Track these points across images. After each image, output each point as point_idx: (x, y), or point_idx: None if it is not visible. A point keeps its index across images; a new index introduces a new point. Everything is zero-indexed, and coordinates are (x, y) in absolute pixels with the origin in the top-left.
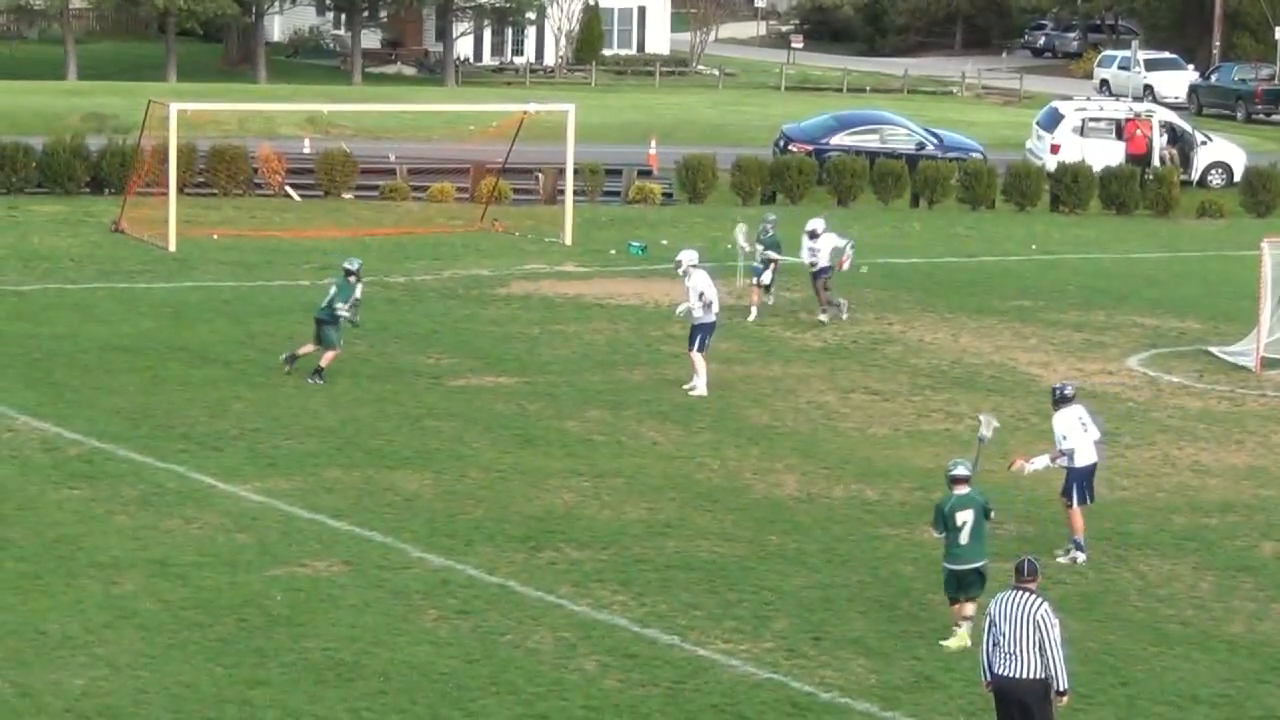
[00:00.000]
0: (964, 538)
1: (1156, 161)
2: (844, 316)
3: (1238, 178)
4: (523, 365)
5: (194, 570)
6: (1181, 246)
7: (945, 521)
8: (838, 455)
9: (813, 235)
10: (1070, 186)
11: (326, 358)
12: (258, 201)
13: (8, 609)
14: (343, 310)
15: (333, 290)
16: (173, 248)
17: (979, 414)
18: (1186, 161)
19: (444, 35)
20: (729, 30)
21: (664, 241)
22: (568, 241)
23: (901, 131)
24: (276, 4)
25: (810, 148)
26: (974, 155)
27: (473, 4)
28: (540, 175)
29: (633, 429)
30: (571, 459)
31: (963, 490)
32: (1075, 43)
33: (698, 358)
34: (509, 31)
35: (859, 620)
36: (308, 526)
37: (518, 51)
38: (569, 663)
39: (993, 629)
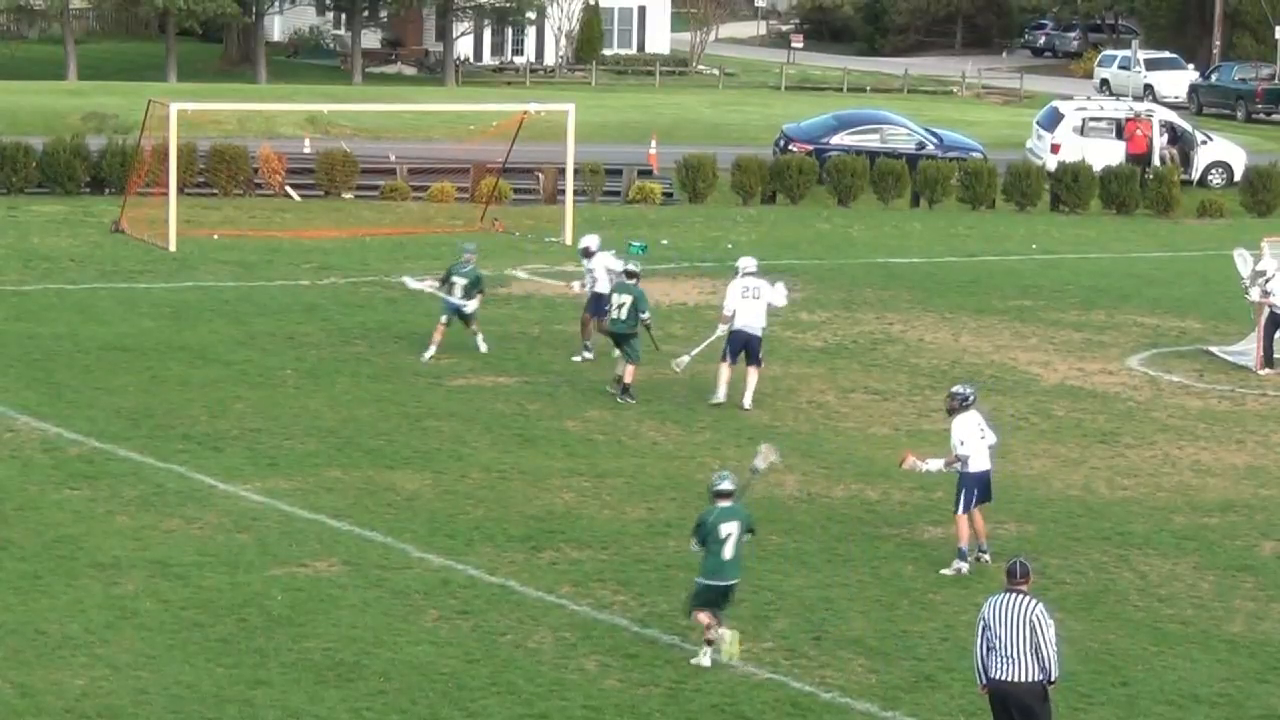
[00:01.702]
0: (726, 552)
1: (1157, 161)
2: (583, 358)
3: (1238, 177)
4: (523, 365)
5: (194, 570)
6: (1182, 246)
7: (707, 534)
8: (838, 455)
9: (586, 254)
10: (1070, 186)
11: (630, 373)
12: (258, 201)
13: (8, 609)
14: (647, 317)
15: (627, 301)
16: (173, 248)
17: (761, 444)
18: (1187, 161)
19: (444, 35)
20: (729, 30)
21: (664, 241)
22: (568, 241)
23: (902, 131)
24: (276, 4)
25: (810, 147)
26: (974, 155)
27: (473, 4)
28: (540, 175)
29: (633, 429)
30: (572, 459)
31: (726, 504)
32: (1075, 42)
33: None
34: (509, 31)
35: (859, 620)
36: (308, 526)
37: (518, 51)
38: (569, 662)
39: (986, 632)
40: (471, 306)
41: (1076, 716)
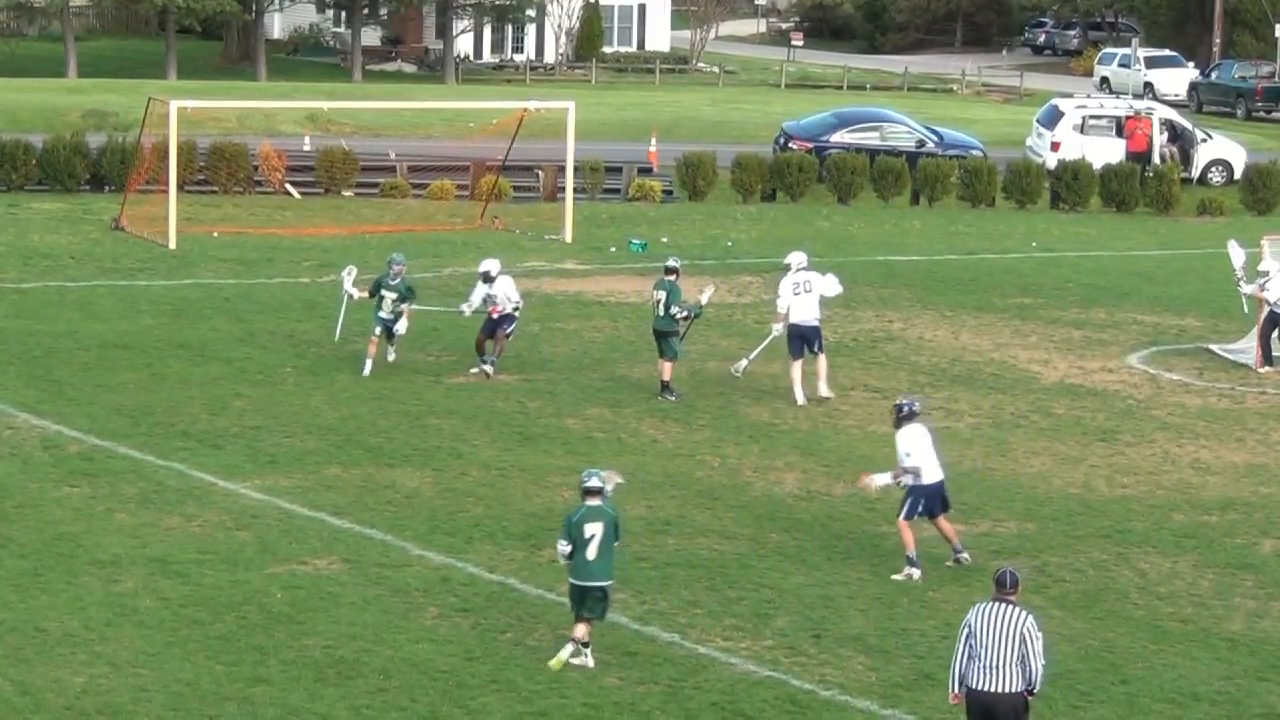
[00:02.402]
0: (590, 552)
1: (1157, 159)
2: (484, 369)
3: (1238, 175)
4: (523, 363)
5: (194, 568)
6: (1182, 244)
7: (571, 533)
8: (838, 453)
9: (486, 278)
10: (1070, 184)
11: (668, 370)
12: (258, 199)
13: (8, 606)
14: (677, 311)
15: (662, 296)
16: (173, 245)
17: (606, 469)
18: (1187, 159)
19: (444, 33)
20: (729, 28)
21: (664, 239)
22: (568, 239)
23: (902, 129)
24: (276, 1)
25: (810, 145)
26: (974, 153)
27: (473, 1)
28: (540, 173)
29: (633, 426)
30: (572, 456)
31: (594, 502)
32: (1075, 40)
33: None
34: (509, 29)
35: (859, 618)
36: (308, 524)
37: (518, 49)
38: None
39: (970, 640)
40: (402, 327)
41: (1076, 714)
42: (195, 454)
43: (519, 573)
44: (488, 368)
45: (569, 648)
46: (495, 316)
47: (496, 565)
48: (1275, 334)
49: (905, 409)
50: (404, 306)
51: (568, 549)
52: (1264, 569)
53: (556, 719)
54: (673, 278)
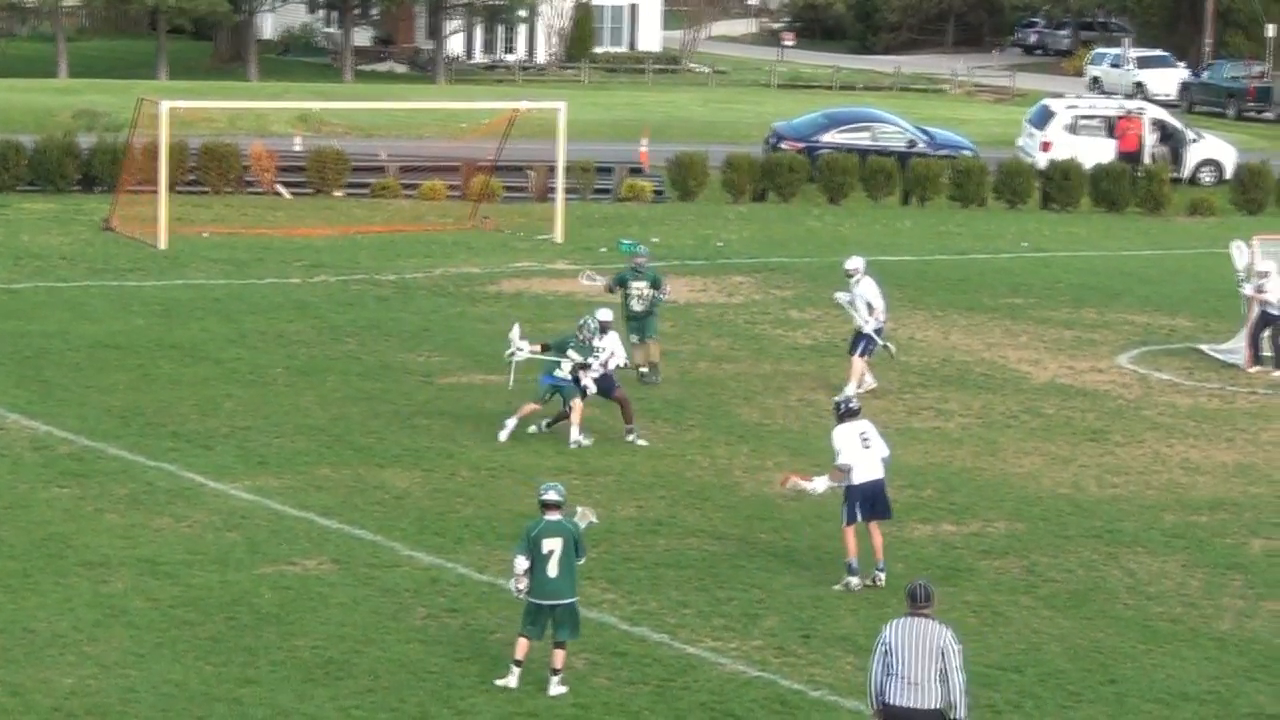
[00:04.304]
0: (551, 569)
1: (1148, 159)
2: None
3: (1229, 175)
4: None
5: (183, 568)
6: (1172, 244)
7: (530, 546)
8: (828, 453)
9: (604, 329)
10: (1061, 184)
11: (656, 351)
12: (249, 199)
13: None
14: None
15: (644, 285)
16: (163, 246)
17: (579, 507)
18: (1177, 159)
19: (435, 33)
20: (721, 28)
21: (655, 239)
22: (559, 239)
23: (893, 129)
24: (268, 2)
25: (801, 145)
26: (965, 153)
27: (464, 2)
28: (531, 173)
29: (622, 426)
30: (561, 457)
31: (554, 516)
32: (1067, 40)
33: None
34: (500, 29)
35: (848, 618)
36: (297, 524)
37: (509, 49)
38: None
39: (887, 656)
40: (588, 382)
41: (1065, 714)
42: (185, 454)
43: (508, 573)
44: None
45: (515, 674)
46: (609, 369)
47: (486, 565)
48: (1266, 334)
49: (842, 406)
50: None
51: (525, 564)
52: (1253, 569)
53: (545, 719)
54: (644, 259)
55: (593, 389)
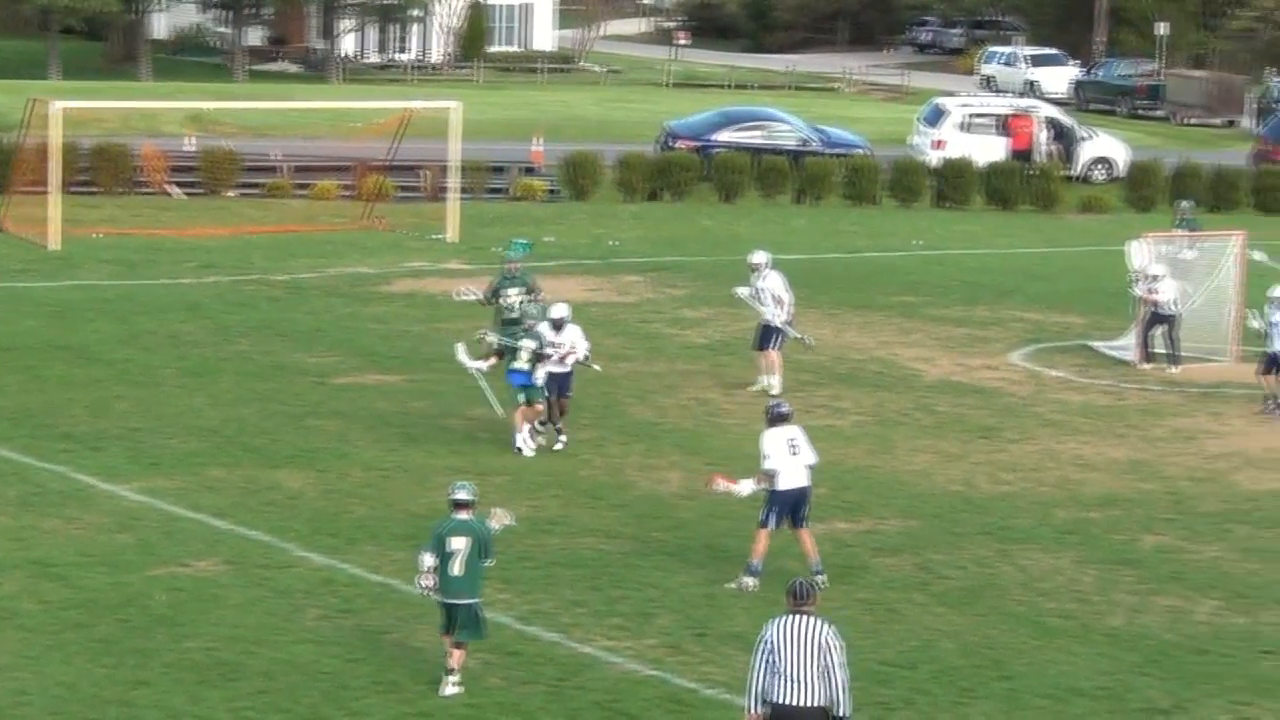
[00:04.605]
0: (455, 567)
1: (1040, 157)
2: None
3: (1120, 173)
4: (406, 363)
5: (75, 570)
6: (1064, 241)
7: (437, 544)
8: (721, 451)
9: (558, 326)
10: (954, 182)
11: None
12: (141, 200)
13: None
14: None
15: (519, 291)
16: (55, 246)
17: (495, 508)
18: (1069, 157)
19: (328, 32)
20: (614, 27)
21: (548, 239)
22: (452, 239)
23: (786, 128)
24: (160, 1)
25: (695, 144)
26: (858, 151)
27: (357, 1)
28: (424, 172)
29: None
30: (455, 457)
31: (462, 515)
32: (959, 39)
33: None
34: (394, 28)
35: (742, 617)
36: (190, 526)
37: (402, 49)
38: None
39: (770, 655)
40: (541, 377)
41: (958, 710)
42: (77, 456)
43: (402, 573)
44: (538, 442)
45: (449, 680)
46: (568, 365)
47: (380, 566)
48: (1158, 331)
49: (772, 410)
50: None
51: (431, 562)
52: (1145, 564)
53: (439, 719)
54: (517, 266)
55: (542, 379)
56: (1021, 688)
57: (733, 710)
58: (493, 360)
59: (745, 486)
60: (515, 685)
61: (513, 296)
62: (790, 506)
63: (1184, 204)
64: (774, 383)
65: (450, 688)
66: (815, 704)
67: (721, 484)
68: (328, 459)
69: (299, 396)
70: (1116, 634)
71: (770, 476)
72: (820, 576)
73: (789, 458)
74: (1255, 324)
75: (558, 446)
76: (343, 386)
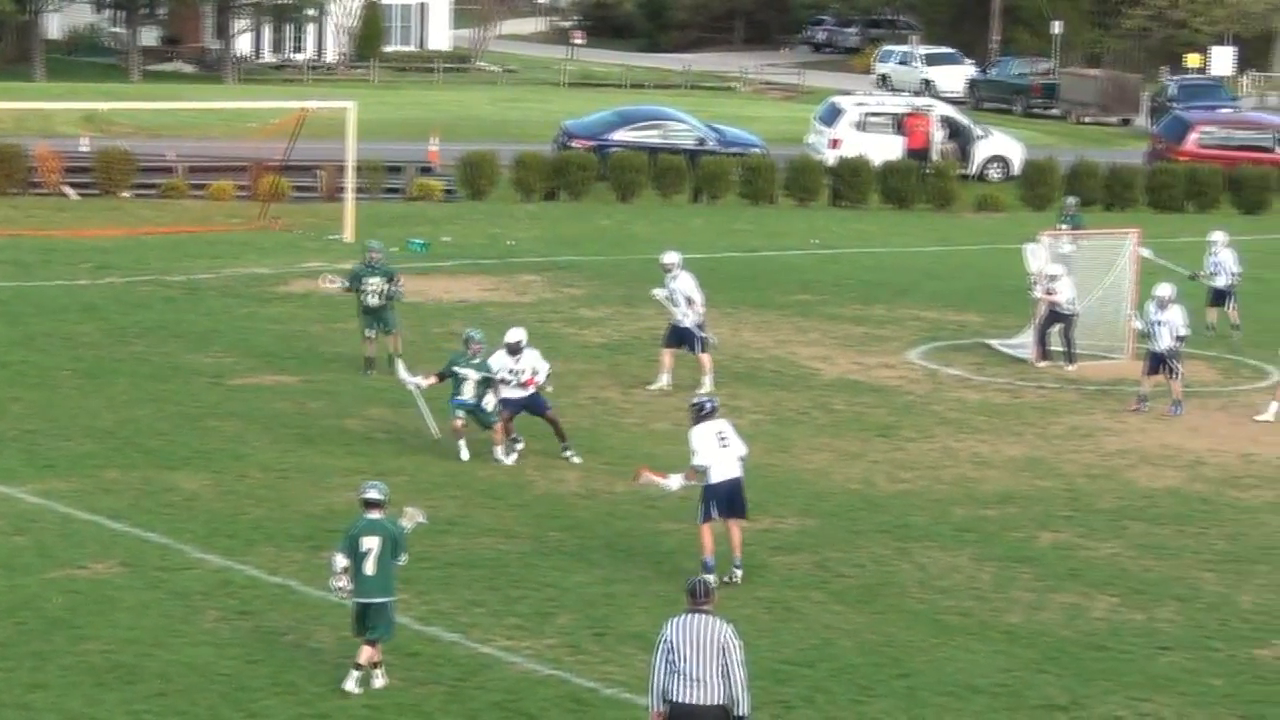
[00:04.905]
0: (368, 567)
1: (935, 156)
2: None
3: (1016, 171)
4: (303, 363)
5: None
6: (960, 240)
7: (349, 545)
8: (620, 451)
9: (513, 350)
10: (850, 181)
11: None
12: (35, 201)
13: None
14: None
15: (380, 279)
16: None
17: (406, 507)
18: (965, 155)
19: (223, 32)
20: (510, 26)
21: (445, 238)
22: (348, 239)
23: (682, 127)
24: (53, 1)
25: (592, 144)
26: (755, 150)
27: (252, 1)
28: (321, 172)
29: (414, 426)
30: (353, 457)
31: (374, 515)
32: (855, 38)
33: None
34: (289, 28)
35: (641, 616)
36: (86, 528)
37: (298, 49)
38: (351, 662)
39: (669, 654)
40: (490, 404)
41: (857, 708)
42: None
43: (300, 574)
44: (518, 449)
45: (354, 675)
46: (532, 388)
47: (278, 567)
48: (1055, 329)
49: (702, 406)
50: (489, 392)
51: (343, 563)
52: (1042, 561)
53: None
54: (379, 256)
55: (491, 405)
56: (920, 685)
57: (633, 709)
58: (432, 379)
59: (674, 481)
60: (414, 686)
61: (374, 286)
62: (725, 498)
63: (1069, 201)
64: (705, 382)
65: (351, 684)
66: (715, 702)
67: (648, 477)
68: (225, 460)
69: (195, 397)
70: (1014, 631)
71: (701, 472)
72: (738, 571)
73: (719, 451)
74: (1138, 324)
75: (577, 460)
76: (239, 387)
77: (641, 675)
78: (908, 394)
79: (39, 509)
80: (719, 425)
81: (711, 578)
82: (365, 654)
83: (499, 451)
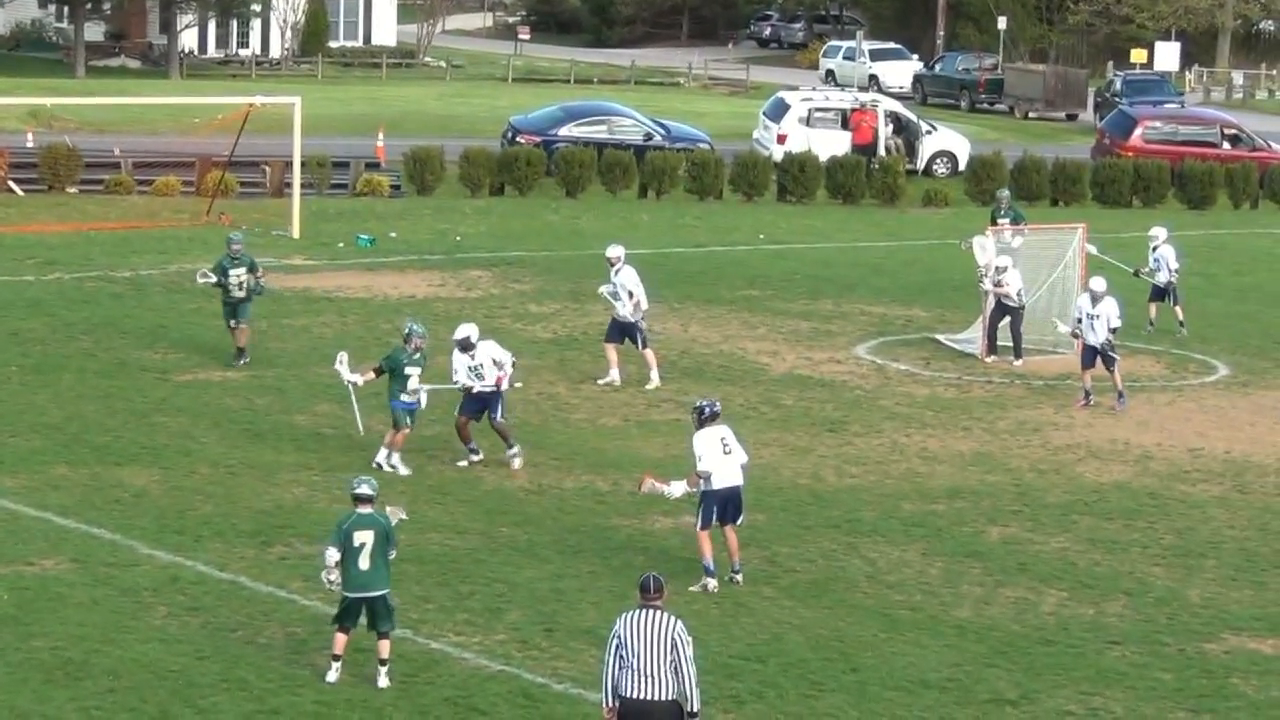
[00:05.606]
0: (363, 561)
1: (882, 151)
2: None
3: (962, 166)
4: (251, 360)
5: None
6: (907, 235)
7: (342, 539)
8: (568, 446)
9: (464, 346)
10: (797, 176)
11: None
12: None
13: None
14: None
15: (242, 271)
16: None
17: (388, 505)
18: (911, 151)
19: (168, 27)
20: (456, 21)
21: (392, 234)
22: (295, 234)
23: (629, 122)
24: None
25: (538, 139)
26: (701, 146)
27: None
28: (267, 168)
29: (363, 422)
30: (301, 453)
31: (366, 510)
32: (801, 33)
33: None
34: (234, 24)
35: (591, 611)
36: (34, 524)
37: (243, 44)
38: (300, 658)
39: (620, 649)
40: (424, 402)
41: (808, 704)
42: None
43: (249, 570)
44: (476, 460)
45: (334, 667)
46: (501, 388)
47: (226, 563)
48: (1004, 323)
49: (705, 410)
50: (423, 387)
51: (336, 557)
52: (991, 556)
53: (289, 717)
54: (240, 248)
55: (425, 403)
56: (870, 679)
57: (583, 705)
58: (370, 375)
59: (678, 488)
60: (365, 682)
61: (237, 277)
62: (723, 504)
63: (1002, 194)
64: (653, 376)
65: (383, 679)
66: (666, 697)
67: (651, 484)
68: (173, 456)
69: (143, 393)
70: (964, 626)
71: (705, 477)
72: (738, 576)
73: (722, 457)
74: (1063, 329)
75: (517, 464)
76: (187, 383)
77: (591, 670)
78: (856, 389)
79: None
80: (722, 431)
81: (713, 581)
82: (384, 648)
83: (395, 458)
